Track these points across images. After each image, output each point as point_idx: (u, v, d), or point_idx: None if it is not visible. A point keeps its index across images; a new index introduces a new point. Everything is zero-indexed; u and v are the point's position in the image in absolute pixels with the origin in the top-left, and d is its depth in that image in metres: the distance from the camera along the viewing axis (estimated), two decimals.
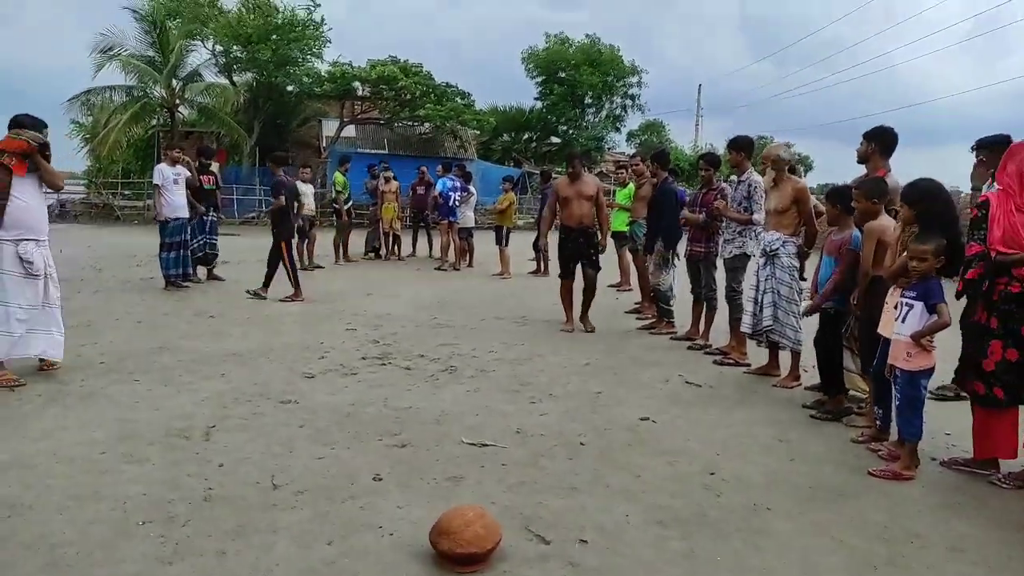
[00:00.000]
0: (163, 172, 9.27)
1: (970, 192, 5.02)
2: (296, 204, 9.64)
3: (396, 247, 14.01)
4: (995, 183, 4.94)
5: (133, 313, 7.67)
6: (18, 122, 4.91)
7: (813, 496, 3.54)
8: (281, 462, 3.73)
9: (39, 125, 5.00)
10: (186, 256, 9.55)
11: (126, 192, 25.48)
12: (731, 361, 6.16)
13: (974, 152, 5.14)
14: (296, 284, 8.87)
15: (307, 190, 12.05)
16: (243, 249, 13.93)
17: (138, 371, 5.38)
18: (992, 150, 4.97)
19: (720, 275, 6.63)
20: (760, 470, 3.84)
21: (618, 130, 36.97)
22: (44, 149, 4.91)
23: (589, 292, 7.37)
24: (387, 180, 13.56)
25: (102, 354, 5.84)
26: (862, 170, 5.15)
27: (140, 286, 9.63)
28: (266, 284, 8.92)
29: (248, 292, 8.90)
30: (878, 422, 4.27)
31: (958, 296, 3.88)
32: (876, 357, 4.11)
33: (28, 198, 4.90)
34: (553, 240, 7.93)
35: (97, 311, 7.70)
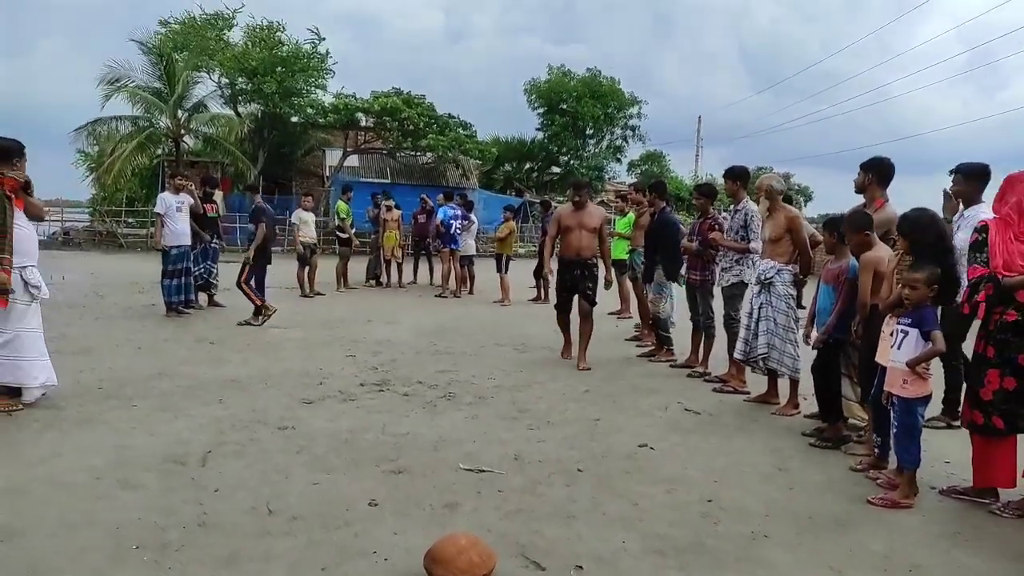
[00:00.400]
0: (166, 201, 9.34)
1: None
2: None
3: (398, 275, 14.06)
4: (964, 211, 5.03)
5: (134, 339, 7.68)
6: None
7: (812, 525, 3.51)
8: (277, 488, 3.72)
9: (19, 147, 4.97)
10: (189, 283, 9.59)
11: (130, 220, 25.64)
12: (730, 389, 6.15)
13: (952, 176, 5.21)
14: (260, 301, 8.90)
15: (309, 218, 12.15)
16: None
17: (137, 397, 5.37)
18: (968, 177, 5.04)
19: (718, 303, 6.65)
20: (759, 499, 3.81)
21: (619, 160, 37.39)
22: (27, 187, 4.95)
23: (585, 325, 7.04)
24: (388, 208, 13.65)
25: (101, 380, 5.84)
26: (862, 200, 5.20)
27: (141, 312, 9.65)
28: (257, 311, 8.95)
29: (240, 322, 8.89)
30: (877, 450, 4.24)
31: (968, 320, 3.88)
32: (875, 385, 4.10)
33: (26, 225, 4.96)
34: (554, 267, 7.91)
35: (98, 337, 7.72)
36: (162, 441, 4.39)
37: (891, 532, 3.44)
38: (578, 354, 7.10)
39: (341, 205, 13.27)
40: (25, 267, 4.91)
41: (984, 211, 4.89)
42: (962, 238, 4.52)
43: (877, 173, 5.11)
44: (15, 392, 4.94)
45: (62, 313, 8.96)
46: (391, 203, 13.80)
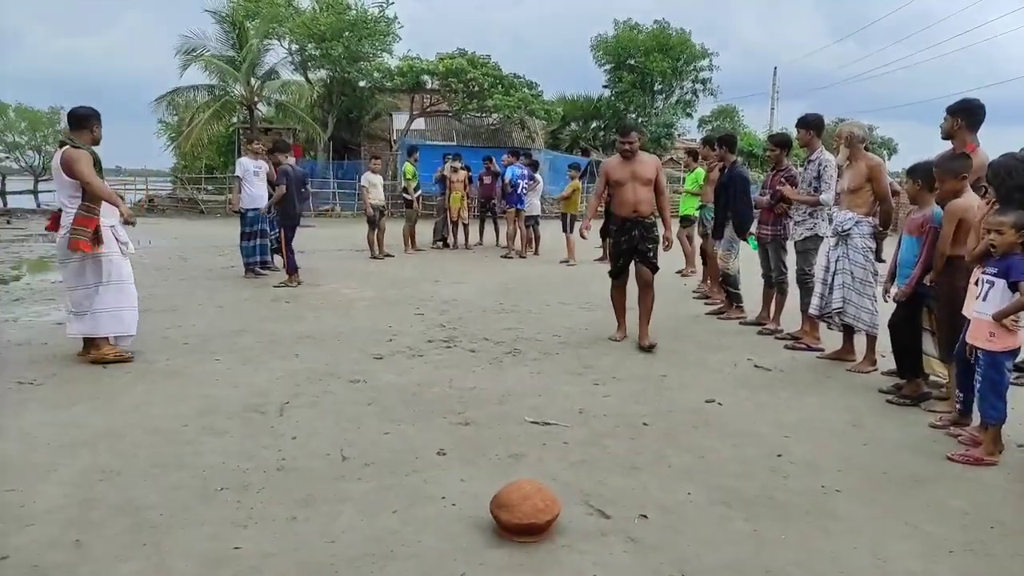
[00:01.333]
0: (244, 165, 9.69)
1: None
2: (302, 191, 9.99)
3: (464, 236, 14.16)
4: None
5: (215, 298, 8.04)
6: (75, 114, 5.21)
7: (887, 481, 3.41)
8: (349, 437, 3.86)
9: (95, 114, 5.27)
10: (264, 245, 9.94)
11: (209, 187, 26.64)
12: (803, 346, 5.99)
13: None
14: (292, 270, 9.06)
15: (377, 181, 12.33)
16: (318, 239, 14.40)
17: (219, 351, 5.64)
18: None
19: (791, 258, 6.44)
20: (831, 454, 3.73)
21: (689, 115, 36.22)
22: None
23: (646, 295, 6.10)
24: (455, 169, 13.68)
25: (186, 336, 6.15)
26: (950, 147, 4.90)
27: (222, 274, 10.08)
28: (289, 272, 9.12)
29: (276, 284, 9.09)
30: (959, 406, 4.07)
31: None
32: (959, 339, 3.91)
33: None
34: (597, 228, 7.39)
35: (182, 297, 8.11)
36: (243, 392, 4.61)
37: (973, 489, 3.32)
38: (640, 330, 6.13)
39: (408, 167, 13.39)
40: (114, 225, 5.30)
41: None
42: None
43: (966, 116, 4.81)
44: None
45: (149, 275, 9.44)
46: (457, 164, 13.82)
